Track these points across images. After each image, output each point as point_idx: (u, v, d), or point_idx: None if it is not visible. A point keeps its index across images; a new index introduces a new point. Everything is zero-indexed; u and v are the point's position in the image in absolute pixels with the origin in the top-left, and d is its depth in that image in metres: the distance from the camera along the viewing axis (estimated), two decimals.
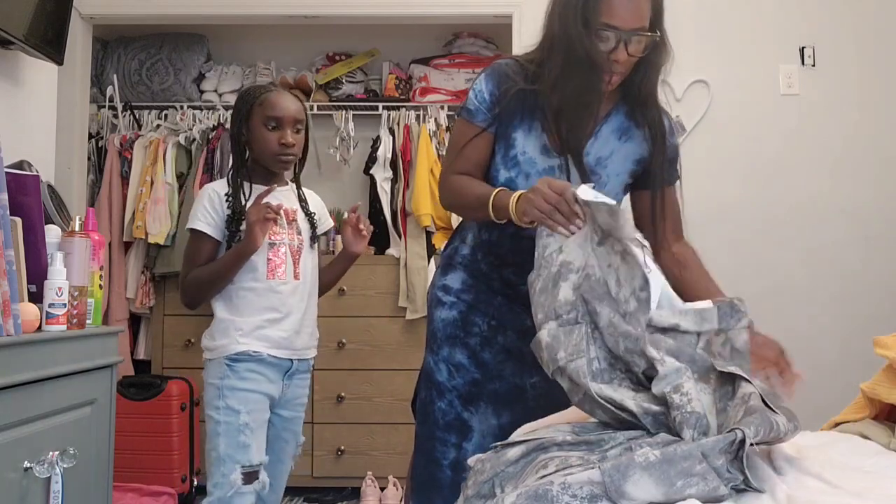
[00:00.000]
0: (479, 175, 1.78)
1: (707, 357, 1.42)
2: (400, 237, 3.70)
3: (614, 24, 1.55)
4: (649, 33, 1.58)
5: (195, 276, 2.03)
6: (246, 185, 2.09)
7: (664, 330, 1.44)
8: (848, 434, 1.90)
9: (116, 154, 3.71)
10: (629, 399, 1.37)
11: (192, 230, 2.05)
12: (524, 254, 1.62)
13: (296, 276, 2.08)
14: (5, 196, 1.71)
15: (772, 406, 1.30)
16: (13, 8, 2.49)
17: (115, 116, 3.83)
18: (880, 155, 3.41)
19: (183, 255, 2.13)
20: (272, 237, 2.04)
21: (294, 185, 2.19)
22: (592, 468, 1.16)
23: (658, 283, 1.48)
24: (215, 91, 4.01)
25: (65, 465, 1.70)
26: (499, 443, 1.47)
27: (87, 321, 2.01)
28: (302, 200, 2.18)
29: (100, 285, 2.12)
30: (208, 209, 2.05)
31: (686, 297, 1.57)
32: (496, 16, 3.53)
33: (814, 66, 3.43)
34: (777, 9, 3.46)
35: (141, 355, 3.77)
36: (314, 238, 2.17)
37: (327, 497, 3.53)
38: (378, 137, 3.83)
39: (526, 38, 3.50)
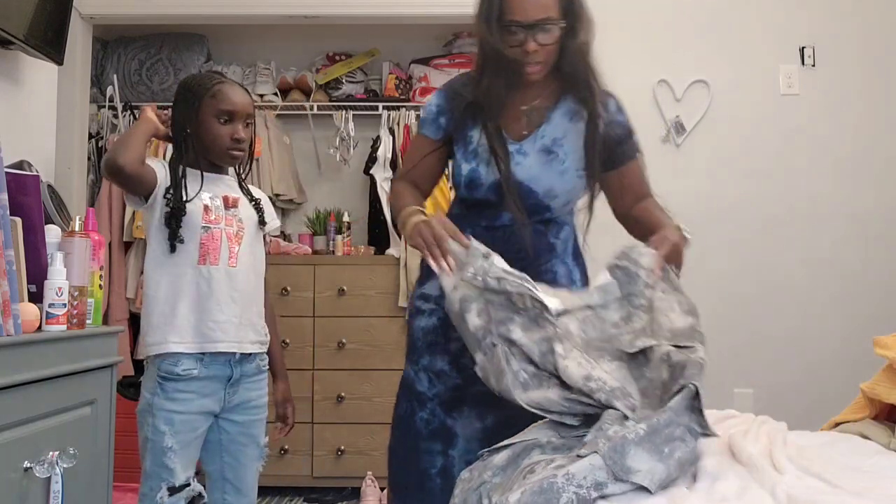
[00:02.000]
0: (426, 179, 1.97)
1: (622, 334, 1.57)
2: (400, 237, 3.70)
3: (518, 20, 1.71)
4: (556, 22, 1.73)
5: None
6: (190, 173, 2.00)
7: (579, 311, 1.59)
8: (848, 434, 1.90)
9: None
10: (556, 397, 1.47)
11: None
12: (497, 246, 1.71)
13: (231, 263, 1.99)
14: (5, 196, 1.71)
15: (683, 344, 1.49)
16: (13, 8, 2.49)
17: (115, 116, 3.83)
18: (880, 155, 3.41)
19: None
20: (206, 221, 1.97)
21: (235, 175, 2.12)
22: (591, 454, 1.25)
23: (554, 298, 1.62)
24: None
25: (65, 465, 1.70)
26: (485, 449, 1.50)
27: (87, 321, 2.01)
28: (245, 190, 2.11)
29: (100, 285, 2.12)
30: (158, 165, 1.99)
31: (641, 232, 1.82)
32: None
33: (814, 66, 3.43)
34: (777, 9, 3.46)
35: (141, 355, 3.77)
36: (262, 222, 2.10)
37: (327, 497, 3.53)
38: (378, 137, 3.83)
39: None
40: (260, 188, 3.82)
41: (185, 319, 1.94)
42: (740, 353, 3.36)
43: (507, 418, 1.73)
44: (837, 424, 2.04)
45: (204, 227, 1.96)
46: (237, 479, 2.02)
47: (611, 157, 1.89)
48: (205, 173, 2.00)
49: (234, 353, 1.97)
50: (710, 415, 1.99)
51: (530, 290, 1.56)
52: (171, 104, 2.06)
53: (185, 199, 1.95)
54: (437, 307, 1.89)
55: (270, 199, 3.89)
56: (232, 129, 1.99)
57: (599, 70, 1.87)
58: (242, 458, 2.03)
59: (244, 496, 2.04)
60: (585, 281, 1.97)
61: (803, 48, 3.44)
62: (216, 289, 1.96)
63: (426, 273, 1.93)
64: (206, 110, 1.98)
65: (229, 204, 2.04)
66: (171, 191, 1.96)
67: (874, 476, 1.45)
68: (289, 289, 3.55)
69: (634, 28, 3.47)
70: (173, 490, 1.90)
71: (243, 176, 2.13)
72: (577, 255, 1.99)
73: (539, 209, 1.86)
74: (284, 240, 3.92)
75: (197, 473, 2.00)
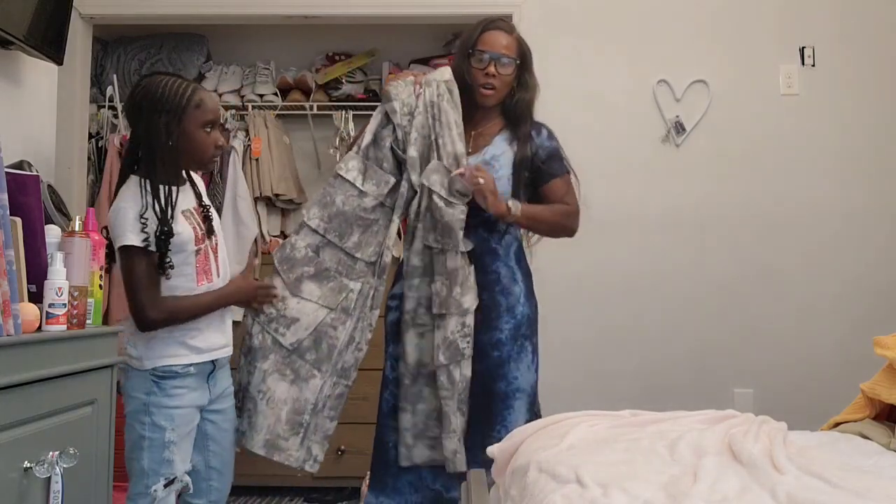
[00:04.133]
0: None
1: None
2: (400, 237, 3.70)
3: (485, 49, 2.29)
4: (513, 60, 2.29)
5: (173, 307, 1.93)
6: (171, 189, 1.96)
7: None
8: (848, 434, 1.90)
9: (116, 154, 3.70)
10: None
11: (131, 247, 1.89)
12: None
13: (219, 274, 2.06)
14: (5, 196, 1.71)
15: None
16: (13, 8, 2.49)
17: (115, 116, 3.83)
18: (880, 155, 3.41)
19: (125, 276, 1.93)
20: (197, 244, 1.98)
21: (187, 180, 2.08)
22: None
23: None
24: (215, 91, 4.01)
25: (65, 465, 1.70)
26: None
27: (87, 321, 2.01)
28: (198, 195, 2.08)
29: (100, 285, 2.12)
30: (140, 221, 1.90)
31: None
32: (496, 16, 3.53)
33: (814, 66, 3.43)
34: (777, 9, 3.46)
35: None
36: (210, 231, 2.05)
37: (327, 497, 3.53)
38: None
39: (526, 37, 3.50)
40: (260, 188, 3.84)
41: (182, 335, 1.97)
42: (740, 353, 3.36)
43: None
44: (837, 424, 2.04)
45: (196, 249, 1.99)
46: (222, 464, 2.10)
47: (540, 174, 2.33)
48: (173, 188, 1.96)
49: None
50: (711, 415, 2.00)
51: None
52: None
53: (171, 216, 1.92)
54: (400, 302, 2.31)
55: (270, 199, 3.91)
56: (215, 137, 2.01)
57: (532, 117, 2.38)
58: (226, 443, 2.12)
59: (226, 477, 2.13)
60: (528, 283, 2.36)
61: (803, 48, 3.43)
62: None
63: (397, 275, 2.36)
64: (191, 121, 1.94)
65: (201, 216, 2.05)
66: (150, 214, 1.90)
67: (874, 476, 1.45)
68: None
69: (634, 28, 3.47)
70: (166, 483, 1.94)
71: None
72: (520, 259, 2.37)
73: (479, 208, 2.22)
74: (284, 240, 3.92)
75: None
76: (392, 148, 2.27)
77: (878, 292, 3.35)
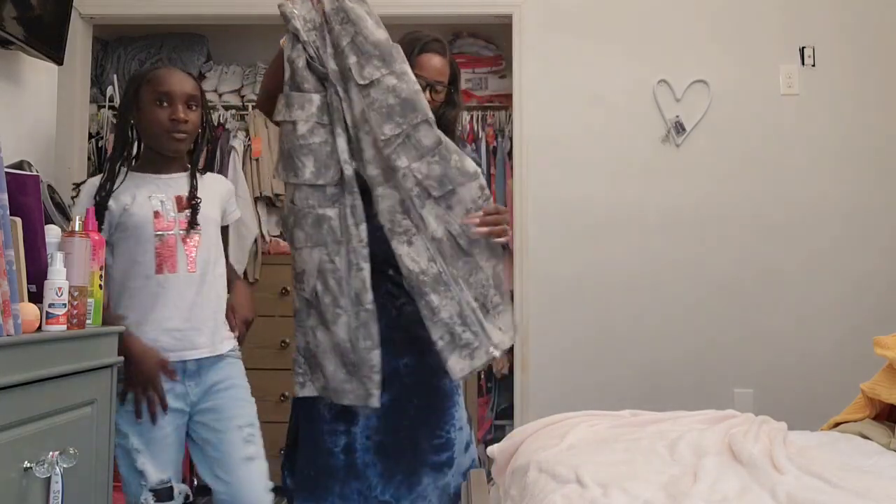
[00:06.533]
0: None
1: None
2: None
3: (422, 75, 2.27)
4: (445, 86, 2.34)
5: None
6: (138, 177, 1.99)
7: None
8: (848, 434, 1.91)
9: None
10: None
11: None
12: (381, 245, 2.10)
13: (190, 268, 1.97)
14: (5, 196, 1.71)
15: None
16: (13, 8, 2.49)
17: (115, 116, 3.83)
18: (880, 155, 3.41)
19: None
20: (159, 229, 1.94)
21: (189, 173, 2.06)
22: None
23: None
24: (215, 91, 4.01)
25: (65, 465, 1.70)
26: None
27: (87, 321, 2.00)
28: (194, 188, 2.04)
29: (100, 285, 2.12)
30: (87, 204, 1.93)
31: None
32: (496, 16, 3.53)
33: (814, 66, 3.43)
34: (777, 9, 3.46)
35: None
36: (192, 225, 1.99)
37: None
38: None
39: (526, 38, 3.52)
40: (260, 188, 3.83)
41: (146, 332, 1.92)
42: (740, 353, 3.36)
43: (399, 394, 2.17)
44: (837, 424, 2.05)
45: (157, 234, 1.93)
46: (227, 471, 1.95)
47: None
48: (154, 175, 1.97)
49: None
50: (711, 415, 2.00)
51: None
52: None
53: (111, 192, 1.94)
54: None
55: (269, 198, 3.91)
56: (170, 111, 1.95)
57: (456, 132, 2.45)
58: (227, 446, 1.96)
59: (233, 486, 1.96)
60: None
61: (803, 48, 3.43)
62: (180, 295, 1.95)
63: None
64: (144, 97, 1.96)
65: (182, 206, 1.99)
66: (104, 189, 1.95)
67: (874, 476, 1.45)
68: (288, 289, 3.54)
69: (634, 28, 3.47)
70: (160, 496, 1.86)
71: (200, 166, 2.09)
72: None
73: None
74: (284, 240, 3.92)
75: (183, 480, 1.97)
76: (308, 65, 2.14)
77: (878, 292, 3.35)
